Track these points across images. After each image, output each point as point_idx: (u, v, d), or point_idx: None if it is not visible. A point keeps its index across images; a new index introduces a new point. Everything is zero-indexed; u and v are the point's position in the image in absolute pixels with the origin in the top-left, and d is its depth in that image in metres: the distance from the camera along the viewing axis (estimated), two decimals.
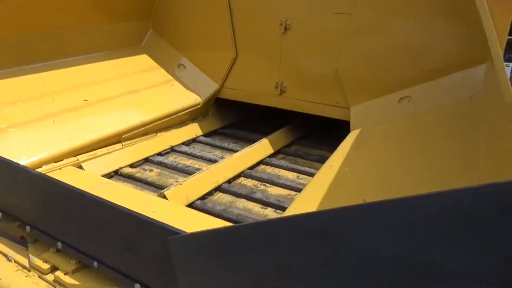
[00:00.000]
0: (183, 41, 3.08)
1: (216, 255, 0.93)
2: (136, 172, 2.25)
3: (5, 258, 1.49)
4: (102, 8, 2.74)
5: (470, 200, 0.60)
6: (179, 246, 0.99)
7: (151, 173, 2.27)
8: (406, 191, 1.41)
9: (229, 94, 2.96)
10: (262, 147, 2.55)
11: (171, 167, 2.35)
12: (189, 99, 2.92)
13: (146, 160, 2.42)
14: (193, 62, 3.07)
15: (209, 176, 2.08)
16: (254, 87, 2.83)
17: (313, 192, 1.60)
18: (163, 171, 2.32)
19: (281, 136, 2.77)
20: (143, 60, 3.03)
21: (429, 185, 1.43)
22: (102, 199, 1.20)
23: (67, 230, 1.35)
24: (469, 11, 1.91)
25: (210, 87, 2.99)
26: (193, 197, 1.93)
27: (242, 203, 1.99)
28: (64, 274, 1.34)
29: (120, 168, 2.25)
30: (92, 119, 2.32)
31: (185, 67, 3.08)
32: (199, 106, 2.93)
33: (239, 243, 0.88)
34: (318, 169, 2.35)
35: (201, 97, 2.96)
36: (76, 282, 1.31)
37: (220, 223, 1.57)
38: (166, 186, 2.07)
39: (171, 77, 3.01)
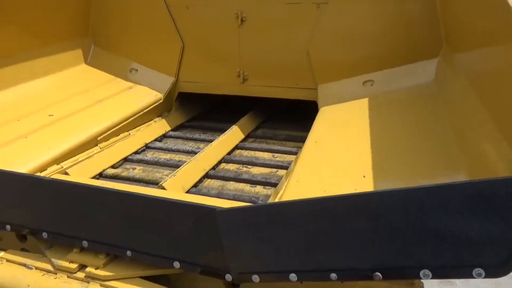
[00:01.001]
0: (127, 47, 3.15)
1: (265, 226, 1.11)
2: (121, 172, 2.30)
3: (24, 267, 1.51)
4: (39, 32, 2.78)
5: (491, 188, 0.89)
6: (227, 218, 1.14)
7: (136, 171, 2.33)
8: (387, 162, 1.66)
9: (191, 87, 3.06)
10: (234, 134, 2.71)
11: (153, 163, 2.42)
12: (150, 96, 2.98)
13: (125, 159, 2.47)
14: (143, 63, 3.14)
15: (197, 165, 2.20)
16: (216, 79, 2.97)
17: (307, 166, 1.79)
18: (146, 167, 2.39)
19: (247, 122, 2.94)
20: (95, 75, 3.08)
21: (402, 154, 1.70)
22: (129, 192, 1.30)
23: (92, 227, 1.42)
24: (428, 13, 2.25)
25: (167, 81, 3.07)
26: (187, 185, 2.05)
27: (232, 185, 2.15)
28: (96, 269, 1.42)
29: (104, 170, 2.29)
30: (65, 130, 2.35)
31: (137, 70, 3.15)
32: (161, 101, 2.99)
33: (291, 216, 1.07)
34: (289, 147, 2.59)
35: (161, 93, 3.03)
36: (110, 273, 1.39)
37: (228, 203, 1.72)
38: (155, 181, 2.18)
39: (127, 83, 3.07)
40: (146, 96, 2.97)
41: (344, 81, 2.53)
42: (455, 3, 2.03)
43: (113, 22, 3.13)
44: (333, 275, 1.10)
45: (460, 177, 1.44)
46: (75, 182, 1.38)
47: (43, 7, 2.79)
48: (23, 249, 1.74)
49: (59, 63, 2.94)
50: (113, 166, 2.36)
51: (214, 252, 1.24)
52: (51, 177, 1.99)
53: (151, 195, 1.26)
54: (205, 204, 1.19)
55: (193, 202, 1.21)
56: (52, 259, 1.49)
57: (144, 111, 2.83)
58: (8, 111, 2.40)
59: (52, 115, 2.44)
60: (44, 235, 1.51)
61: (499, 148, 1.29)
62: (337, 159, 1.78)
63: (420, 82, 2.28)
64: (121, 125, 2.59)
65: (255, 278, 1.20)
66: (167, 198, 1.25)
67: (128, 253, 1.38)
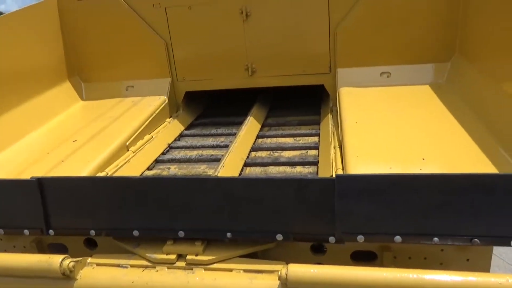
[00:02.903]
0: (115, 71, 3.21)
1: (382, 193, 1.27)
2: (160, 172, 2.36)
3: (118, 267, 1.55)
4: (31, 80, 2.81)
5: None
6: (346, 183, 1.29)
7: (173, 170, 2.39)
8: (437, 147, 1.85)
9: (198, 85, 3.14)
10: (252, 125, 2.83)
11: (185, 161, 2.50)
12: (155, 100, 3.01)
13: (156, 161, 2.52)
14: (136, 78, 3.20)
15: (236, 156, 2.31)
16: (223, 74, 3.07)
17: (359, 144, 1.92)
18: (181, 165, 2.46)
19: (258, 113, 3.08)
20: (97, 106, 3.08)
21: (444, 140, 1.91)
22: (232, 177, 1.40)
23: (189, 217, 1.49)
24: (449, 21, 2.57)
25: (164, 83, 3.13)
26: (235, 174, 2.16)
27: (273, 169, 2.28)
28: (196, 256, 1.50)
29: (142, 173, 2.33)
30: (96, 145, 2.38)
31: (132, 86, 3.20)
32: (166, 102, 3.04)
33: (411, 187, 1.27)
34: (306, 130, 2.76)
35: (163, 95, 3.07)
36: (212, 257, 1.48)
37: None
38: (199, 175, 2.26)
39: (131, 99, 3.09)
40: (152, 101, 3.00)
41: (363, 69, 2.75)
42: (475, 20, 2.39)
43: (93, 54, 3.18)
44: (436, 239, 1.29)
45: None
46: (169, 176, 1.45)
47: (32, 57, 2.83)
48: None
49: (56, 107, 2.95)
50: (148, 168, 2.41)
51: (319, 219, 1.38)
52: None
53: (255, 177, 1.37)
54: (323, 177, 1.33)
55: (303, 176, 1.34)
56: (147, 255, 1.54)
57: (156, 113, 2.86)
58: (35, 150, 2.39)
59: (76, 140, 2.44)
60: (135, 233, 1.56)
61: None
62: (386, 140, 1.95)
63: (433, 81, 2.61)
64: (141, 128, 2.62)
65: (360, 238, 1.36)
66: (273, 177, 1.37)
67: (228, 234, 1.48)
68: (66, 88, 3.14)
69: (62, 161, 2.20)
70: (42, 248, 1.89)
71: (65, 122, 2.86)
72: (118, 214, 1.57)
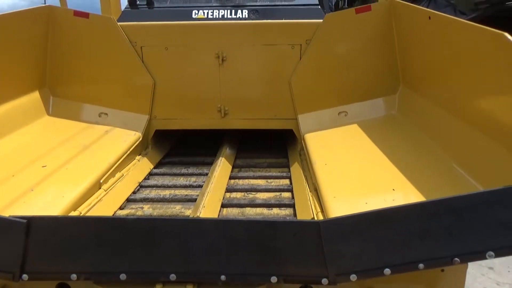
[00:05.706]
0: (92, 94, 3.12)
1: (365, 231, 1.35)
2: (134, 211, 2.30)
3: None
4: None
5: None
6: (330, 227, 1.36)
7: (147, 209, 2.34)
8: (402, 176, 2.04)
9: (170, 124, 3.14)
10: (224, 166, 2.87)
11: (158, 200, 2.46)
12: (129, 136, 2.96)
13: (128, 200, 2.45)
14: (113, 107, 3.12)
15: (214, 196, 2.32)
16: (196, 115, 3.11)
17: (333, 185, 2.04)
18: (154, 205, 2.41)
19: (228, 154, 3.13)
20: (64, 125, 2.95)
21: (409, 169, 2.08)
22: (229, 218, 1.43)
23: (182, 259, 1.48)
24: (389, 59, 2.86)
25: (141, 119, 3.10)
26: (215, 215, 2.16)
27: (250, 210, 2.31)
28: None
29: (115, 212, 2.26)
30: (69, 177, 2.27)
31: (106, 114, 3.10)
32: (140, 139, 3.00)
33: (390, 220, 1.36)
34: (277, 173, 2.86)
35: (138, 131, 3.04)
36: None
37: None
38: (177, 215, 2.24)
39: (102, 127, 3.00)
40: (126, 136, 2.94)
41: (322, 111, 2.94)
42: (410, 56, 2.72)
43: (74, 70, 3.08)
44: (421, 265, 1.39)
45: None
46: (164, 217, 1.44)
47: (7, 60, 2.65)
48: None
49: (20, 118, 2.75)
50: (120, 208, 2.34)
51: (311, 261, 1.44)
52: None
53: (252, 219, 1.41)
54: (306, 220, 1.39)
55: (294, 219, 1.40)
56: None
57: (130, 150, 2.81)
58: None
59: (45, 166, 2.32)
60: (122, 276, 1.50)
61: None
62: (356, 177, 2.10)
63: (386, 113, 2.86)
64: (115, 165, 2.56)
65: (353, 277, 1.42)
66: (267, 219, 1.41)
67: (222, 277, 1.48)
68: (33, 99, 2.93)
69: (32, 190, 2.07)
70: None
71: (29, 137, 2.66)
72: (105, 256, 1.51)
